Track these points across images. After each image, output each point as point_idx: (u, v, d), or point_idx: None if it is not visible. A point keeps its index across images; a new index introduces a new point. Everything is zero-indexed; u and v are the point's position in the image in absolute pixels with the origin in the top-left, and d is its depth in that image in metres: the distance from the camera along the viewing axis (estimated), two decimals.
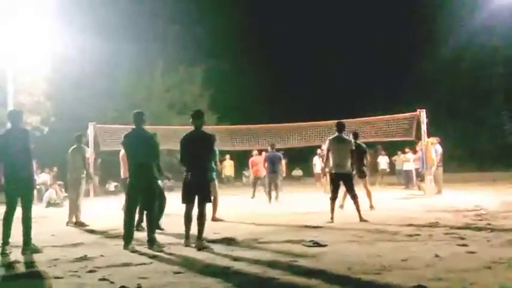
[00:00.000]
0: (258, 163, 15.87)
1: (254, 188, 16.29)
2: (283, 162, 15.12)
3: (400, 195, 15.80)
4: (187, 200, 6.99)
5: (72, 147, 10.42)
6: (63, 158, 10.85)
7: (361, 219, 9.16)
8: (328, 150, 9.52)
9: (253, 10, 34.43)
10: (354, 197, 9.44)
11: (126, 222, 6.99)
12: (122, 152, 9.29)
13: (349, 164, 9.41)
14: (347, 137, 9.76)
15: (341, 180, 9.41)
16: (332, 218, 9.17)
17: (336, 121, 9.87)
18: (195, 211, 6.95)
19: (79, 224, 10.07)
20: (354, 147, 9.61)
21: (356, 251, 6.19)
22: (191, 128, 7.14)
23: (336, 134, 9.52)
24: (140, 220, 8.28)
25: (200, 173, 6.95)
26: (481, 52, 30.85)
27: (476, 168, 28.63)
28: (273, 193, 14.47)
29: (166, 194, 9.09)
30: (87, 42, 21.38)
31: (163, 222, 8.75)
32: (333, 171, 9.40)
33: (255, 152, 16.52)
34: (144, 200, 7.11)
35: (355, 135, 11.40)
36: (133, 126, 7.28)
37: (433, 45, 31.66)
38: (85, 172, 10.30)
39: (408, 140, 16.27)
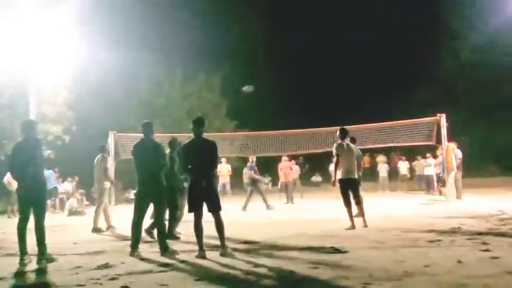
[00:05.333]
0: (285, 168, 16.22)
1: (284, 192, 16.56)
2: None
3: (421, 201, 15.66)
4: (193, 209, 6.87)
5: (97, 157, 10.74)
6: (85, 166, 11.10)
7: (365, 225, 9.17)
8: (337, 155, 9.37)
9: (271, 18, 34.49)
10: (359, 203, 9.44)
11: (133, 230, 7.21)
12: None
13: (355, 169, 9.46)
14: (350, 143, 9.73)
15: (350, 185, 9.37)
16: (353, 225, 9.10)
17: (340, 127, 9.79)
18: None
19: (96, 230, 10.37)
20: (359, 153, 9.62)
21: (377, 257, 6.14)
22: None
23: (340, 141, 9.45)
24: (151, 227, 8.52)
25: (206, 181, 6.81)
26: (504, 52, 30.27)
27: (498, 172, 28.17)
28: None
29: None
30: (108, 51, 21.62)
31: (178, 231, 8.84)
32: (342, 177, 9.38)
33: (284, 158, 16.81)
34: (154, 209, 7.42)
35: (353, 140, 11.19)
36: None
37: (453, 46, 31.20)
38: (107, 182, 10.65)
39: (429, 145, 16.12)
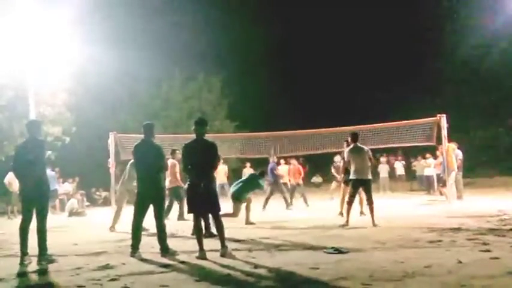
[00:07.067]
0: (296, 172, 16.15)
1: (292, 195, 16.12)
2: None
3: (421, 201, 15.64)
4: (193, 209, 6.90)
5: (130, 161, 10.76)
6: (85, 167, 11.07)
7: (374, 224, 9.37)
8: (348, 161, 10.04)
9: (271, 18, 34.49)
10: (371, 203, 9.68)
11: (134, 230, 7.18)
12: (170, 162, 10.46)
13: (368, 170, 9.76)
14: (363, 146, 10.11)
15: (361, 185, 9.81)
16: (347, 222, 9.53)
17: (351, 132, 10.74)
18: None
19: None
20: (370, 154, 9.94)
21: (378, 257, 6.14)
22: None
23: (353, 144, 9.96)
24: (206, 226, 8.34)
25: (205, 183, 6.78)
26: (505, 52, 30.15)
27: (499, 173, 28.11)
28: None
29: None
30: (107, 52, 21.57)
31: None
32: (354, 178, 9.74)
33: (294, 162, 16.69)
34: (154, 210, 7.27)
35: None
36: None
37: (452, 46, 31.10)
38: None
39: (429, 145, 16.07)
